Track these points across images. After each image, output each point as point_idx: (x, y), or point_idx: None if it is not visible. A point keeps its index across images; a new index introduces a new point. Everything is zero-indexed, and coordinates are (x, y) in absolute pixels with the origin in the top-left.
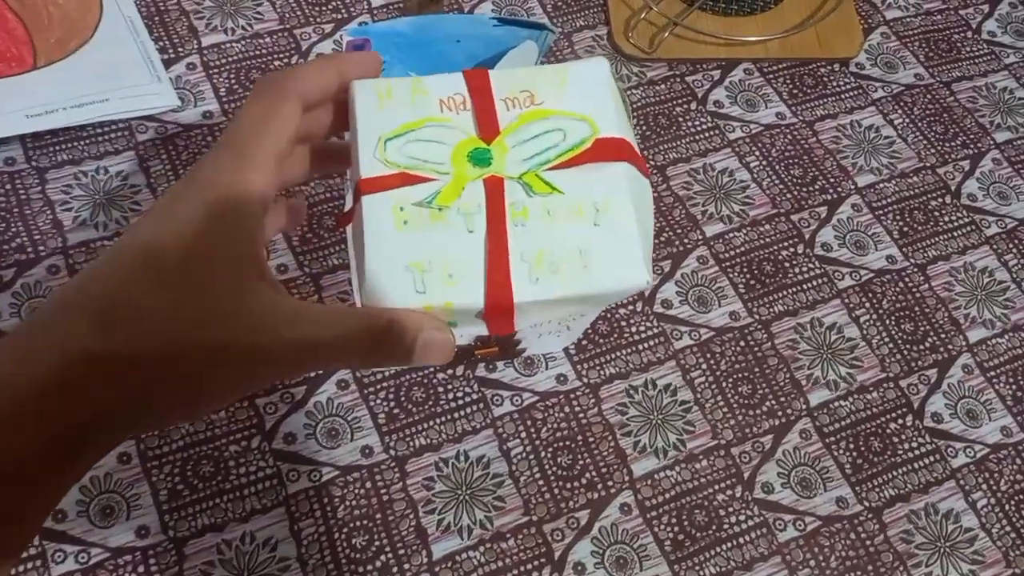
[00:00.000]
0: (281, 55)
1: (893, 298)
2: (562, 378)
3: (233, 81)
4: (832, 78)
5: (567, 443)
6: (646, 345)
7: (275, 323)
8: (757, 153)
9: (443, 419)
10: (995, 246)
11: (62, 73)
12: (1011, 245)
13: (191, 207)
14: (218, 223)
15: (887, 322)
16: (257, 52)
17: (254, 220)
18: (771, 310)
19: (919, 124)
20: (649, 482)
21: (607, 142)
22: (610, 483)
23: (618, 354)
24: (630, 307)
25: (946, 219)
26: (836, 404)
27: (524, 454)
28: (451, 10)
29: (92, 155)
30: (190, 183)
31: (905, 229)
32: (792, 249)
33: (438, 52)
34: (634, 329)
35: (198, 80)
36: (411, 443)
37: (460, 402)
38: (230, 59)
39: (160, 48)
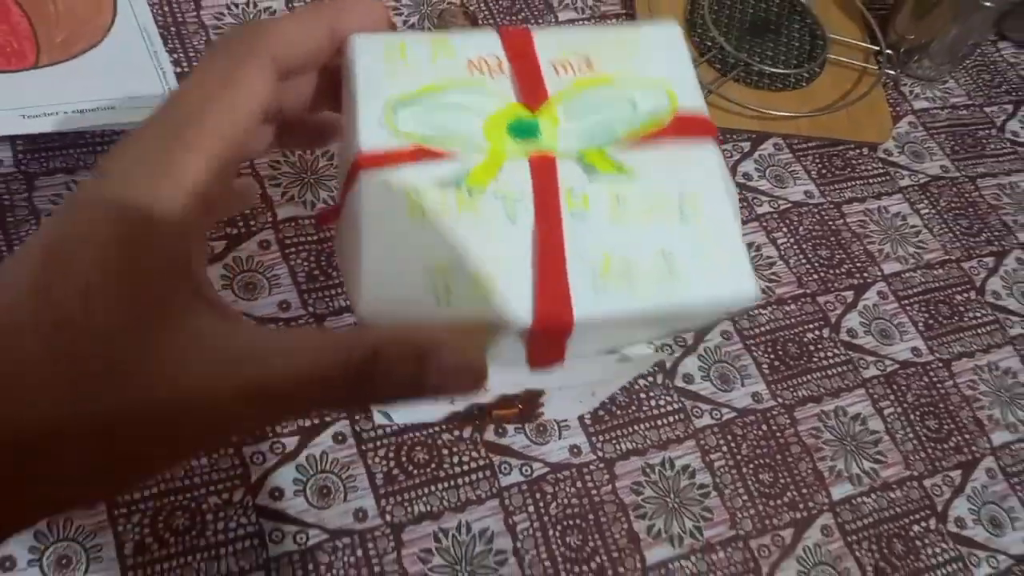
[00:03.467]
0: None
1: (918, 392)
2: (576, 449)
3: None
4: (860, 161)
5: (577, 522)
6: (665, 421)
7: (209, 367)
8: (785, 229)
9: (446, 485)
10: (1018, 347)
11: (66, 75)
12: None
13: (97, 210)
14: (131, 235)
15: (911, 417)
16: None
17: (184, 225)
18: (795, 394)
19: (944, 216)
20: (662, 572)
21: (690, 119)
22: (621, 570)
23: (636, 428)
24: (650, 379)
25: (971, 315)
26: (859, 500)
27: (531, 531)
28: None
29: (89, 164)
30: (105, 174)
31: (930, 322)
32: (818, 332)
33: None
34: (653, 403)
35: None
36: (409, 509)
37: (466, 467)
38: None
39: (174, 61)
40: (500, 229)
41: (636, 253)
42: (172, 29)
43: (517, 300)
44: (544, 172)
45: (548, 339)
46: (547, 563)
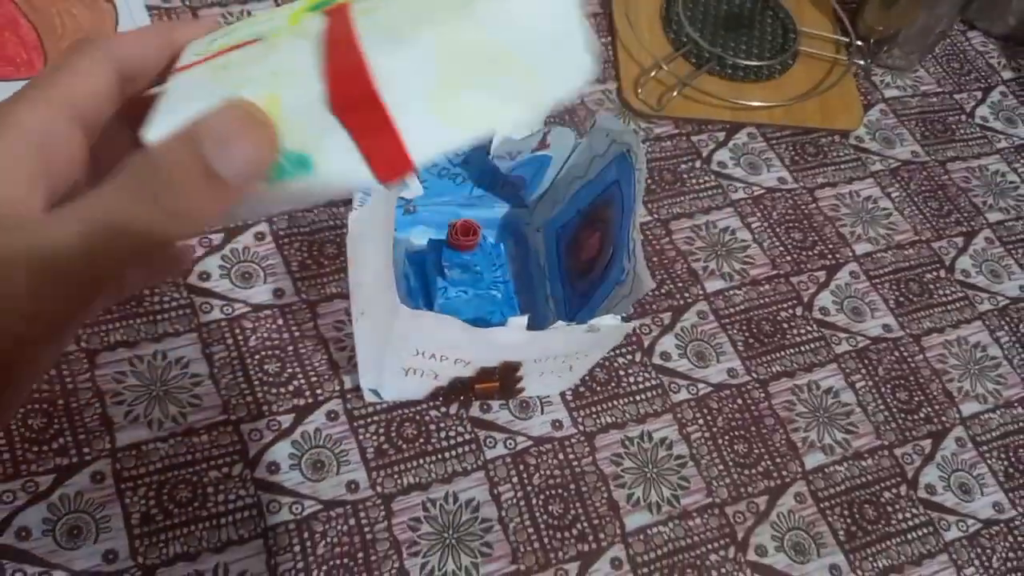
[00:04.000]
0: None
1: (889, 366)
2: (557, 424)
3: None
4: (832, 148)
5: (559, 491)
6: (643, 396)
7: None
8: (759, 214)
9: (434, 458)
10: (988, 322)
11: None
12: (1003, 322)
13: None
14: None
15: (882, 390)
16: None
17: (19, 161)
18: (769, 370)
19: (915, 199)
20: (641, 537)
21: None
22: (601, 535)
23: (615, 403)
24: (629, 356)
25: (940, 292)
26: (831, 469)
27: (515, 500)
28: None
29: None
30: None
31: (901, 299)
32: (791, 311)
33: None
34: (632, 379)
35: None
36: (399, 481)
37: (452, 441)
38: None
39: None
40: (294, 46)
41: (431, 7)
42: None
43: (305, 72)
44: (338, 11)
45: (357, 105)
46: (531, 530)
